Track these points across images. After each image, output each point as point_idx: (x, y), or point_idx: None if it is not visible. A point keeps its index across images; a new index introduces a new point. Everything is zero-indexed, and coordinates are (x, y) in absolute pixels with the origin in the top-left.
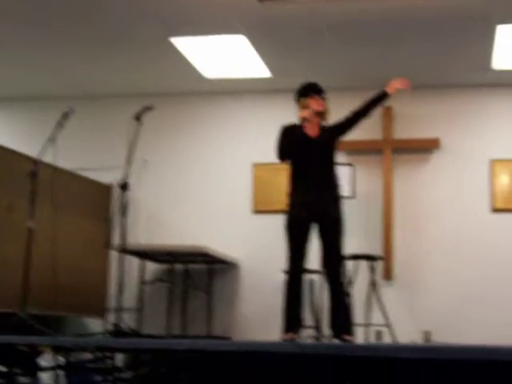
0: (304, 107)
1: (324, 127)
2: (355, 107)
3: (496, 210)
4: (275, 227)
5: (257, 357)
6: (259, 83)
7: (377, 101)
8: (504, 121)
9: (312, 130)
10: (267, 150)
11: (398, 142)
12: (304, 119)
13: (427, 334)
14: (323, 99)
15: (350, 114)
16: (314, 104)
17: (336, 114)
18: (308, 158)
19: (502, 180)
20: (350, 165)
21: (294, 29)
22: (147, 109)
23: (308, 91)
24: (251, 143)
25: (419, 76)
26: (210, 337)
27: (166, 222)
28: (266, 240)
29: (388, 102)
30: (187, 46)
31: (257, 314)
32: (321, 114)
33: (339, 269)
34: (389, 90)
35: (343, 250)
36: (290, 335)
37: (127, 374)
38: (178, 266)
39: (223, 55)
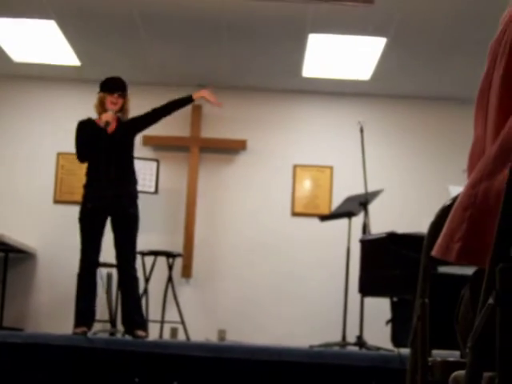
0: (100, 102)
1: (122, 122)
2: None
3: (296, 214)
4: (76, 218)
5: (48, 349)
6: (68, 71)
7: (181, 103)
8: (309, 127)
9: (109, 126)
10: (73, 139)
11: (206, 140)
12: (107, 123)
13: (222, 333)
14: (123, 96)
15: (151, 110)
16: (111, 102)
17: (141, 108)
18: (104, 153)
19: (303, 185)
20: (154, 160)
21: (107, 19)
22: None
23: (107, 87)
24: (56, 131)
25: (231, 77)
26: (1, 327)
27: None
28: (66, 231)
29: (198, 101)
30: None
31: (51, 306)
32: (119, 111)
33: (133, 264)
34: (195, 96)
35: (136, 246)
36: (81, 329)
37: None
38: None
39: (32, 39)
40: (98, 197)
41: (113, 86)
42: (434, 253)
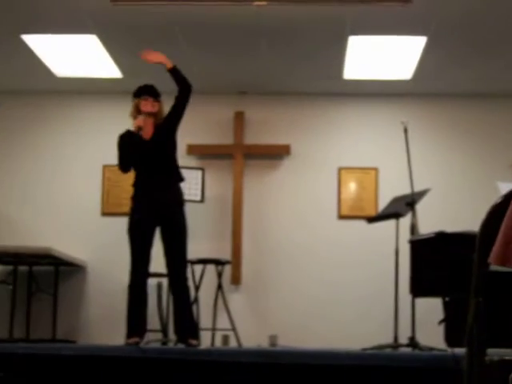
0: (136, 108)
1: (158, 126)
2: (208, 114)
3: (342, 217)
4: (124, 229)
5: (101, 361)
6: (110, 84)
7: (175, 79)
8: (353, 130)
9: (146, 132)
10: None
11: (249, 147)
12: (139, 128)
13: (273, 339)
14: (157, 101)
15: (174, 100)
16: (145, 106)
17: (185, 116)
18: (147, 161)
19: (349, 188)
20: (199, 169)
21: (147, 30)
22: None
23: (141, 93)
24: (101, 144)
25: (272, 82)
26: (54, 340)
27: (11, 223)
28: (115, 242)
29: (240, 108)
30: (39, 43)
31: (103, 318)
32: (154, 116)
33: (184, 273)
34: (167, 67)
35: (187, 254)
36: (133, 339)
37: None
38: (23, 268)
39: (75, 54)
40: (145, 207)
41: (146, 91)
42: (491, 260)
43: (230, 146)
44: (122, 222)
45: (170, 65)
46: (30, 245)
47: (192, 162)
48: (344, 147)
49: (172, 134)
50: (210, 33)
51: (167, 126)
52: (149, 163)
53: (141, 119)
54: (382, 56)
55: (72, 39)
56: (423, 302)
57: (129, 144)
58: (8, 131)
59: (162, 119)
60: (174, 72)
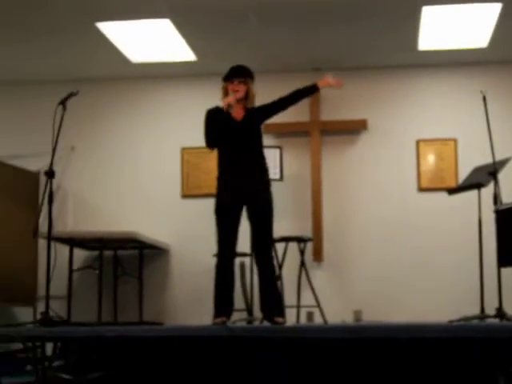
0: (224, 92)
1: (249, 109)
2: (284, 94)
3: (422, 190)
4: (205, 211)
5: (189, 341)
6: (185, 67)
7: (306, 92)
8: (430, 101)
9: (237, 113)
10: (195, 133)
11: (326, 123)
12: (229, 106)
13: (358, 314)
14: (245, 83)
15: (278, 99)
16: (233, 90)
17: (261, 96)
18: (234, 142)
19: (428, 160)
20: (277, 147)
21: (219, 12)
22: (72, 95)
23: (229, 76)
24: (179, 127)
25: (346, 57)
26: (141, 323)
27: (95, 209)
28: (196, 224)
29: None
30: (113, 30)
31: (188, 299)
32: (245, 97)
33: (269, 252)
34: (320, 84)
35: (273, 233)
36: (220, 319)
37: (58, 363)
38: (108, 253)
39: (149, 39)
40: (233, 187)
41: (232, 74)
42: None
43: (307, 123)
44: (203, 204)
45: (322, 86)
46: (115, 230)
47: (269, 140)
48: (421, 119)
49: (261, 123)
50: (282, 11)
51: (260, 116)
52: (237, 144)
53: (230, 97)
54: (457, 25)
55: (146, 24)
56: (509, 272)
57: (218, 120)
58: (86, 119)
59: (251, 102)
60: (315, 91)
